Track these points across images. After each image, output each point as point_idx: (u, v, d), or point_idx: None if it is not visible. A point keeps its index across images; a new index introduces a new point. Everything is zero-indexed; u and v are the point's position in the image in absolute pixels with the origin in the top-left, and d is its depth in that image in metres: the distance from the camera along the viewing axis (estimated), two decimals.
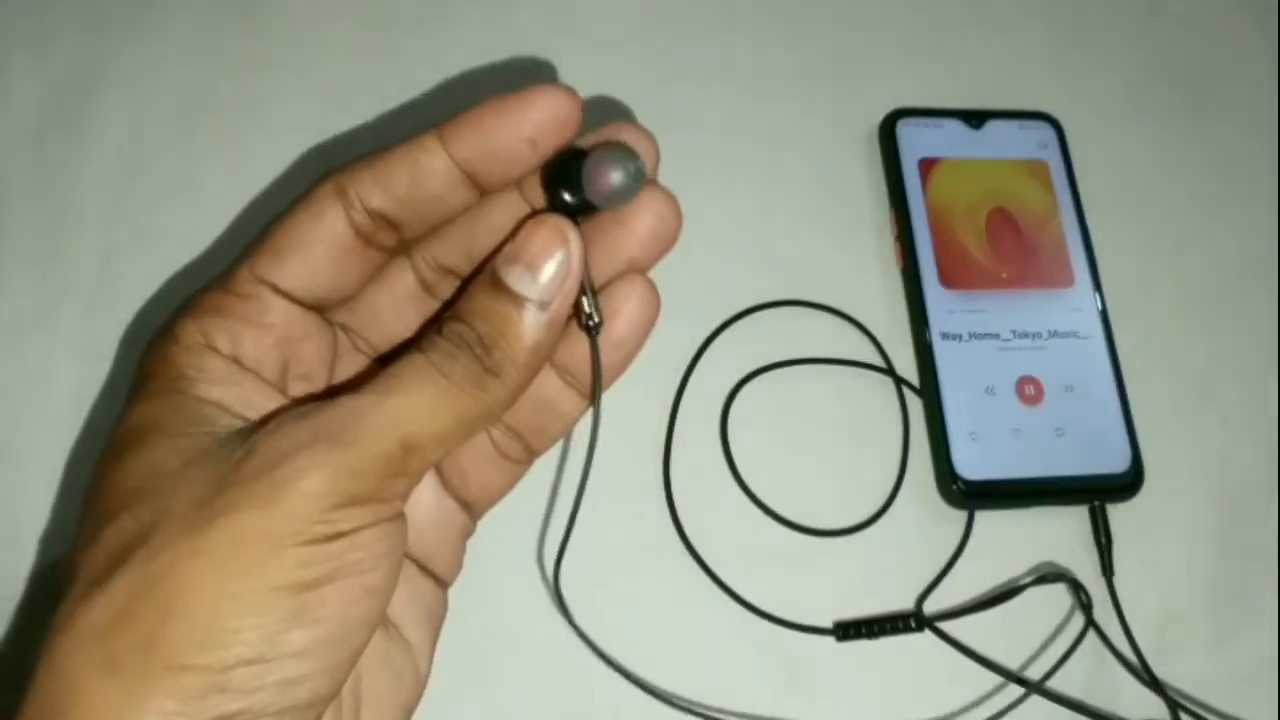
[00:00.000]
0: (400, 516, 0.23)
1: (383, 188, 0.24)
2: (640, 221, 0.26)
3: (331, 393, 0.24)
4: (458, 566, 0.28)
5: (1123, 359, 0.39)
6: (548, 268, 0.24)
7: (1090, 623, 0.35)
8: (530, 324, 0.23)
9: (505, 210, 0.26)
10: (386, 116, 0.40)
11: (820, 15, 0.44)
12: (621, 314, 0.26)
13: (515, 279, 0.24)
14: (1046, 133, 0.43)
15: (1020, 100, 0.43)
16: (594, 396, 0.26)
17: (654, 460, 0.37)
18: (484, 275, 0.24)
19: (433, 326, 0.24)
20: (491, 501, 0.28)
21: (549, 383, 0.27)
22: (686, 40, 0.43)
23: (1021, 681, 0.35)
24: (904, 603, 0.36)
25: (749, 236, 0.40)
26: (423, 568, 0.27)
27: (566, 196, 0.24)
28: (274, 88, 0.41)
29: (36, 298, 0.37)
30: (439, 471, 0.28)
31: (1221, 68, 0.46)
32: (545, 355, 0.24)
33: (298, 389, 0.25)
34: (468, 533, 0.28)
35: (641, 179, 0.24)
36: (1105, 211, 0.42)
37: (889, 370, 0.39)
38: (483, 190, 0.25)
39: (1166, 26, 0.47)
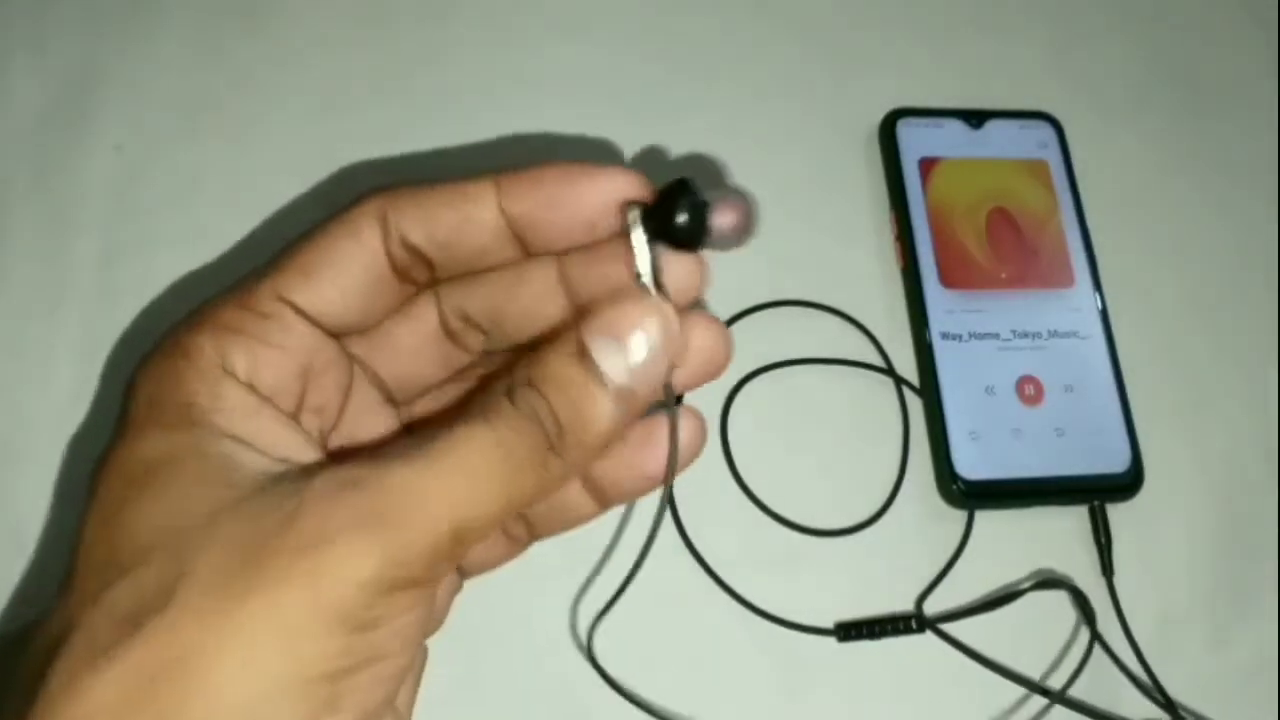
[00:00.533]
0: (434, 597, 0.22)
1: (425, 226, 0.23)
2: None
3: (358, 447, 0.22)
4: (441, 622, 0.27)
5: (1123, 359, 0.39)
6: (642, 349, 0.22)
7: (1095, 636, 0.35)
8: (610, 411, 0.21)
9: (541, 281, 0.25)
10: (387, 116, 0.40)
11: (820, 15, 0.44)
12: (655, 460, 0.24)
13: (605, 355, 0.21)
14: (1046, 133, 0.43)
15: (1020, 100, 0.43)
16: (667, 478, 0.24)
17: None
18: (567, 340, 0.22)
19: (499, 385, 0.22)
20: (484, 570, 0.27)
21: (573, 486, 0.25)
22: (686, 40, 0.43)
23: (1045, 692, 0.35)
24: (904, 603, 0.36)
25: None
26: None
27: (682, 218, 0.22)
28: (274, 87, 0.41)
29: (36, 298, 0.37)
30: None
31: (1221, 68, 0.46)
32: (613, 443, 0.22)
33: (310, 422, 0.24)
34: (455, 590, 0.27)
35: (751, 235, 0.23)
36: (1105, 211, 0.42)
37: (889, 370, 0.39)
38: (527, 251, 0.24)
39: (1166, 26, 0.47)
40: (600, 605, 0.31)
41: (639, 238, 0.22)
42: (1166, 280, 0.42)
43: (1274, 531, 0.38)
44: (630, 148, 0.41)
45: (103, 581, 0.19)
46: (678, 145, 0.41)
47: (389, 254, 0.23)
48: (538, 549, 0.27)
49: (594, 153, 0.40)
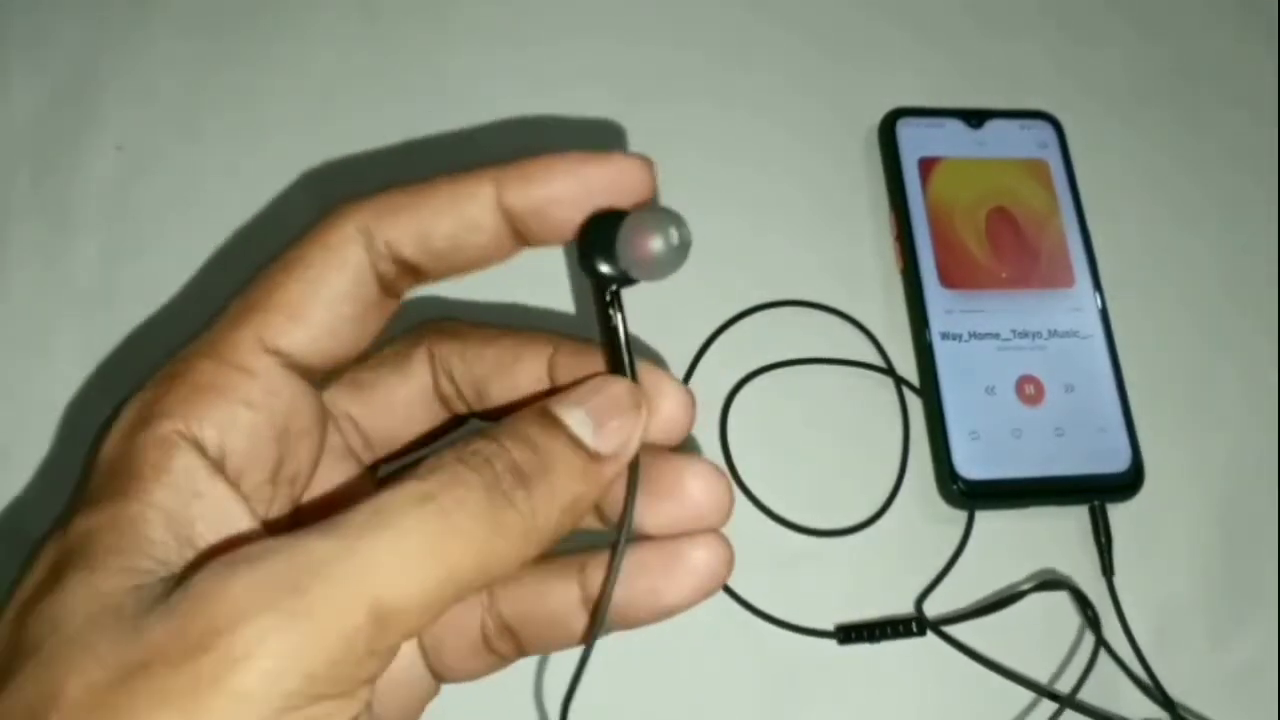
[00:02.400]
0: (362, 713, 0.17)
1: (418, 237, 0.20)
2: (692, 492, 0.23)
3: (287, 523, 0.20)
4: None
5: (1123, 359, 0.39)
6: (613, 422, 0.20)
7: (1100, 640, 0.35)
8: (583, 472, 0.20)
9: (532, 367, 0.23)
10: (386, 115, 0.40)
11: (821, 15, 0.44)
12: (684, 584, 0.22)
13: (573, 418, 0.20)
14: (1046, 133, 0.43)
15: (1020, 100, 0.43)
16: (622, 524, 0.22)
17: None
18: (529, 409, 0.20)
19: (447, 448, 0.19)
20: (462, 680, 0.24)
21: (569, 597, 0.23)
22: (686, 40, 0.43)
23: (1052, 695, 0.34)
24: (904, 602, 0.36)
25: (749, 237, 0.40)
26: None
27: (603, 267, 0.21)
28: (274, 87, 0.41)
29: (36, 298, 0.37)
30: None
31: (1221, 68, 0.46)
32: (582, 515, 0.20)
33: (284, 494, 0.21)
34: (430, 696, 0.24)
35: (685, 248, 0.21)
36: (1105, 211, 0.42)
37: (889, 370, 0.39)
38: (526, 243, 0.22)
39: (1166, 26, 0.47)
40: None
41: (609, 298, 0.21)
42: (1166, 280, 0.42)
43: (1274, 531, 0.38)
44: (628, 147, 0.41)
45: None
46: (677, 145, 0.41)
47: (377, 273, 0.21)
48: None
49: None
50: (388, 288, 0.21)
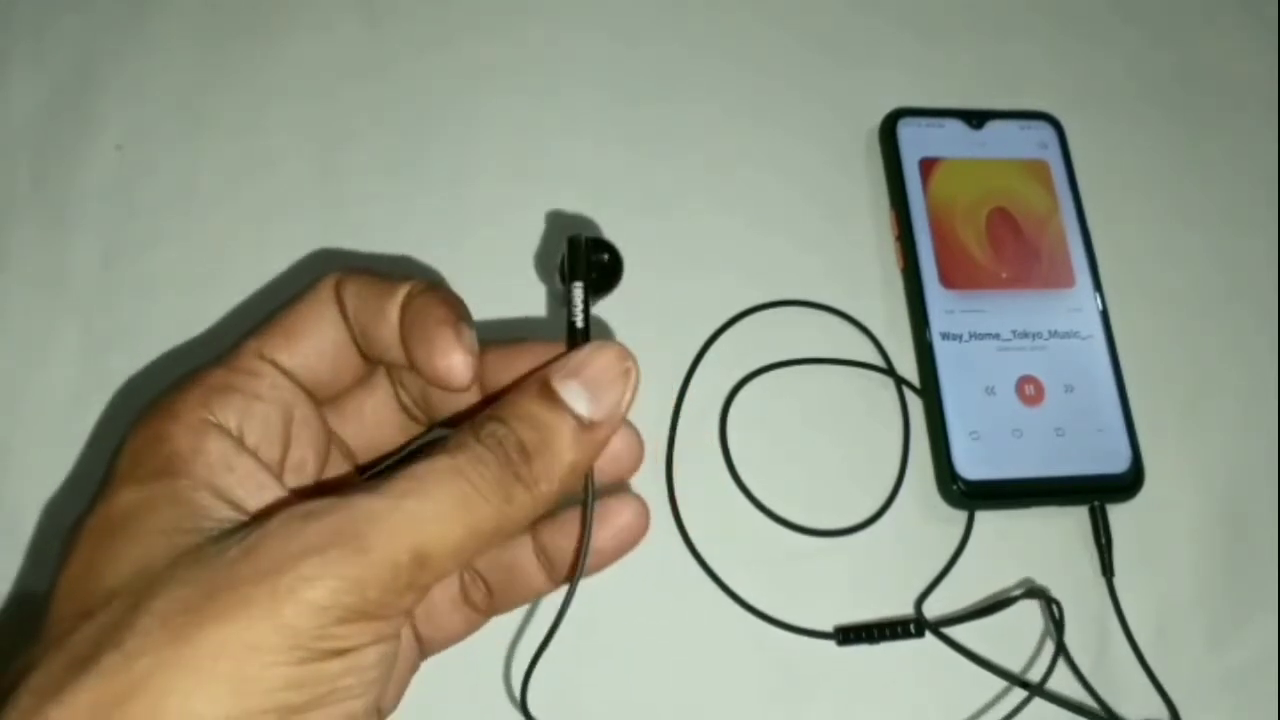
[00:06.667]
0: (397, 636, 0.22)
1: (355, 309, 0.25)
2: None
3: (327, 489, 0.23)
4: (398, 699, 0.26)
5: (1123, 359, 0.39)
6: (605, 391, 0.23)
7: (1060, 646, 0.35)
8: (576, 440, 0.23)
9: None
10: (386, 115, 0.40)
11: (821, 16, 0.45)
12: (608, 525, 0.26)
13: (569, 393, 0.23)
14: (1046, 133, 0.43)
15: (1020, 100, 0.43)
16: (585, 502, 0.25)
17: (657, 462, 0.37)
18: (532, 382, 0.23)
19: (465, 425, 0.23)
20: (443, 645, 0.27)
21: (526, 554, 0.27)
22: (687, 41, 0.43)
23: (1024, 685, 0.35)
24: (904, 603, 0.36)
25: (749, 237, 0.40)
26: None
27: (582, 282, 0.26)
28: (274, 87, 0.41)
29: (36, 298, 0.37)
30: None
31: (1221, 68, 0.46)
32: (579, 477, 0.24)
33: (292, 480, 0.24)
34: (415, 667, 0.27)
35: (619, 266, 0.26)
36: (1105, 211, 0.42)
37: (889, 370, 0.39)
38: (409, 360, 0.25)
39: (1167, 27, 0.47)
40: (600, 602, 0.31)
41: (578, 294, 0.26)
42: (1166, 280, 0.42)
43: (1274, 531, 0.38)
44: (628, 148, 0.41)
45: (66, 629, 0.20)
46: (677, 145, 0.41)
47: (348, 325, 0.25)
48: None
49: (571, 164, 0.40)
50: (358, 342, 0.25)
